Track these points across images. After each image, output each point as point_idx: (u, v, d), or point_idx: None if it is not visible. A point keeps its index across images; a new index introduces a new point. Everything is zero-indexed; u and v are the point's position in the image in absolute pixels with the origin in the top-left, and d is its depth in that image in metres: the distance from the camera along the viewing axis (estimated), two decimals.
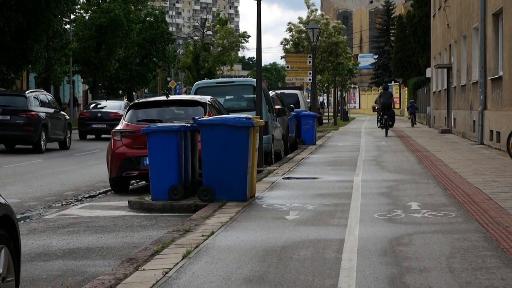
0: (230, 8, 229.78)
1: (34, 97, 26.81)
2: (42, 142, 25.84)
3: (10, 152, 25.69)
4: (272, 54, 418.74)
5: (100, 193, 14.25)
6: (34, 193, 14.08)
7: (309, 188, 13.15)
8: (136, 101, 15.93)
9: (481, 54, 24.57)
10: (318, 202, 11.18)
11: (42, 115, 26.29)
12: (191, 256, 7.39)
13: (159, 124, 12.29)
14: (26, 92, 27.37)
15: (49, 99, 28.50)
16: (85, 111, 37.25)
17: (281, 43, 55.39)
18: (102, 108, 36.17)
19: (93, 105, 37.92)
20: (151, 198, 11.86)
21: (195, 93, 18.62)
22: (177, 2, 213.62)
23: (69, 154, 25.06)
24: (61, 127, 27.91)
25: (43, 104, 27.13)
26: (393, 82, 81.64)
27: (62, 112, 28.64)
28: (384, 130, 33.06)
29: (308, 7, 55.88)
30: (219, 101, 16.38)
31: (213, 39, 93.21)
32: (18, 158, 22.55)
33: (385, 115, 33.10)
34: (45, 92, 29.97)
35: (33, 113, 25.86)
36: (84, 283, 6.79)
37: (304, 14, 76.64)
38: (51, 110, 27.41)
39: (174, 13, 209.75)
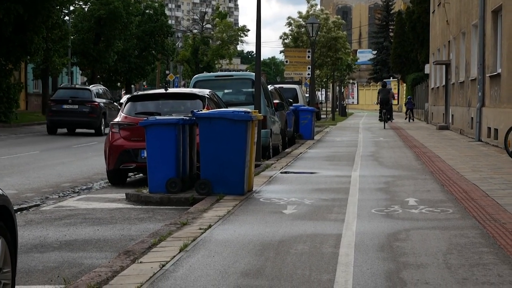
0: (230, 2, 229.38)
1: (96, 90, 32.75)
2: (102, 127, 31.25)
3: (7, 144, 25.66)
4: (271, 48, 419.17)
5: (97, 185, 14.25)
6: (31, 185, 14.07)
7: (306, 183, 13.14)
8: (135, 93, 15.89)
9: (480, 51, 24.55)
10: (315, 196, 11.17)
11: (102, 105, 32.05)
12: (188, 249, 7.39)
13: (158, 117, 12.25)
14: (90, 86, 34.16)
15: (105, 92, 34.16)
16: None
17: (280, 37, 55.48)
18: None
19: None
20: (148, 191, 11.84)
21: (194, 87, 18.58)
22: None
23: (66, 146, 25.06)
24: (115, 115, 32.07)
25: (101, 96, 32.91)
26: (391, 78, 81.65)
27: (115, 103, 33.72)
28: (383, 123, 37.33)
29: (308, 2, 55.93)
30: (218, 95, 16.37)
31: (212, 32, 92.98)
32: (15, 149, 22.53)
33: (384, 109, 37.62)
34: (102, 86, 36.01)
35: (96, 103, 31.63)
36: (80, 275, 6.79)
37: (303, 9, 76.64)
38: (107, 101, 33.07)
39: (173, 6, 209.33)
